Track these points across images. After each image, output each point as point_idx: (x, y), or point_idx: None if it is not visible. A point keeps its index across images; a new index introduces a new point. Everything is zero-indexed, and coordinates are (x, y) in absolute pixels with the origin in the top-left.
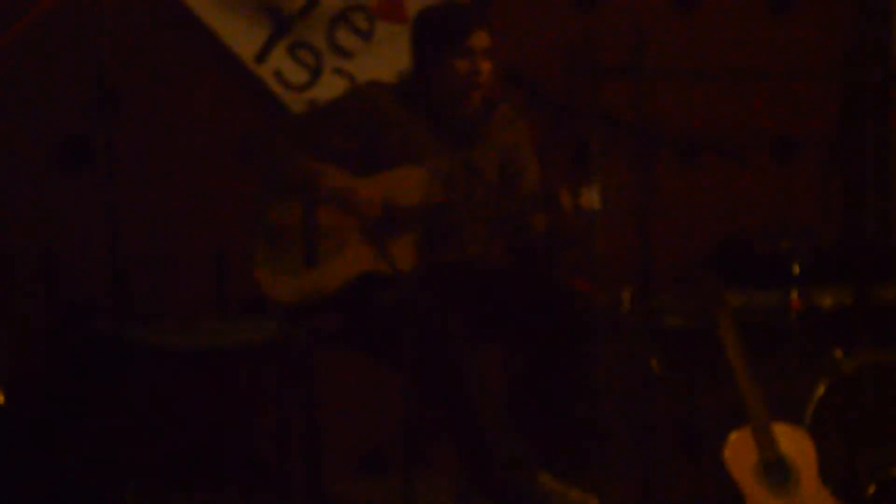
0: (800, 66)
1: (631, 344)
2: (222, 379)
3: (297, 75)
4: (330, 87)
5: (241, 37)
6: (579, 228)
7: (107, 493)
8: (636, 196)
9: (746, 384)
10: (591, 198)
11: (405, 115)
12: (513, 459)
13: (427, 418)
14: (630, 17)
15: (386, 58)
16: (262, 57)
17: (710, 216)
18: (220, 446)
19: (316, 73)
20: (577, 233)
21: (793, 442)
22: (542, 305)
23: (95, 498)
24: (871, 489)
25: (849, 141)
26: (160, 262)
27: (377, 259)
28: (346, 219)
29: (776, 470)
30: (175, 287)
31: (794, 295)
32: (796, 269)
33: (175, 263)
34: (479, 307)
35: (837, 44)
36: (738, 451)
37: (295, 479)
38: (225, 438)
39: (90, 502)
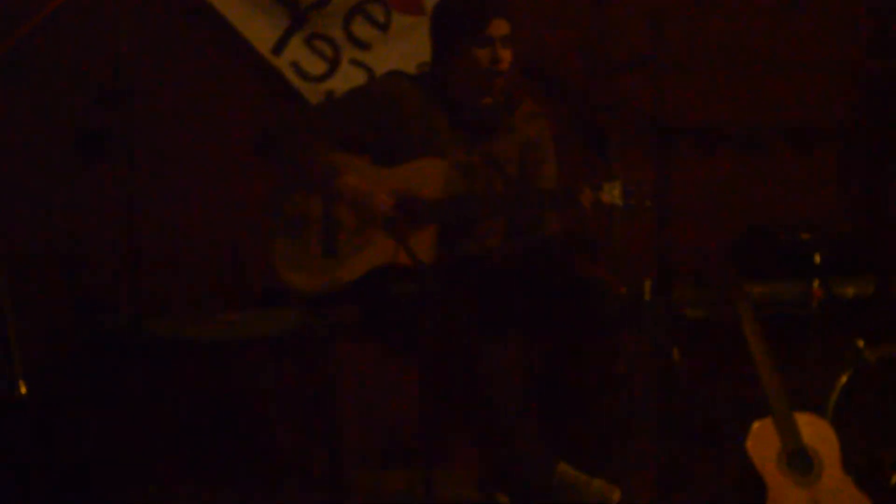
0: (818, 56)
1: (652, 334)
2: (242, 371)
3: (315, 66)
4: (347, 79)
5: (259, 28)
6: (598, 228)
7: (130, 486)
8: (655, 188)
9: (768, 374)
10: (613, 193)
11: (426, 106)
12: (532, 451)
13: (447, 410)
14: (646, 9)
15: (403, 49)
16: (279, 49)
17: (730, 207)
18: (241, 438)
19: (333, 65)
20: (595, 232)
21: (815, 432)
22: (561, 297)
23: (119, 488)
24: (894, 479)
25: (869, 131)
26: (178, 255)
27: (397, 251)
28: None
29: (799, 459)
30: (193, 279)
31: (816, 285)
32: (817, 260)
33: (193, 256)
34: (499, 299)
35: (856, 33)
36: (761, 440)
37: (316, 469)
38: (246, 430)
39: (114, 493)
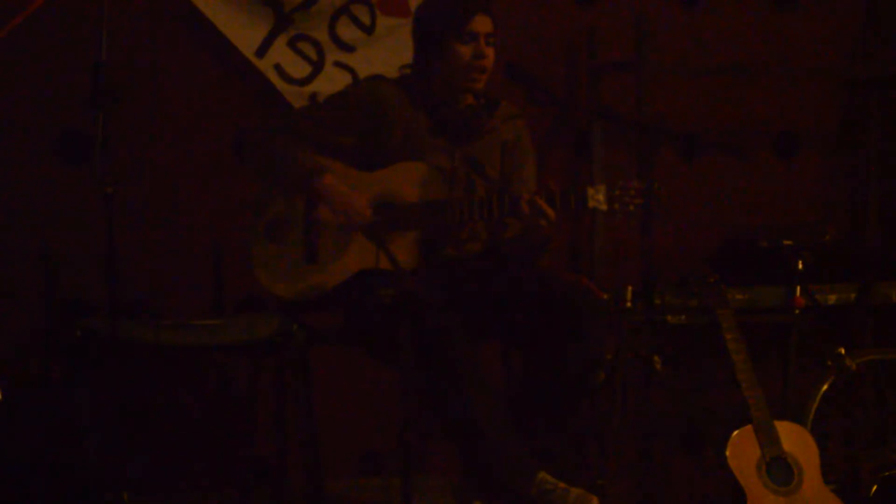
0: (803, 61)
1: (633, 341)
2: (220, 377)
3: (298, 69)
4: (331, 81)
5: (242, 30)
6: (539, 235)
7: (104, 492)
8: (641, 192)
9: (749, 382)
10: (598, 198)
11: (407, 109)
12: (512, 458)
13: (427, 416)
14: (632, 11)
15: (387, 52)
16: (262, 50)
17: (712, 213)
18: (217, 445)
19: (317, 67)
20: (537, 239)
21: (795, 440)
22: (542, 303)
23: (93, 497)
24: (874, 489)
25: (853, 137)
26: (158, 259)
27: (378, 256)
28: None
29: (778, 468)
30: (173, 284)
31: (798, 292)
32: (800, 266)
33: (172, 259)
34: (480, 305)
35: (841, 39)
36: (741, 449)
37: (293, 478)
38: (223, 437)
39: (87, 497)
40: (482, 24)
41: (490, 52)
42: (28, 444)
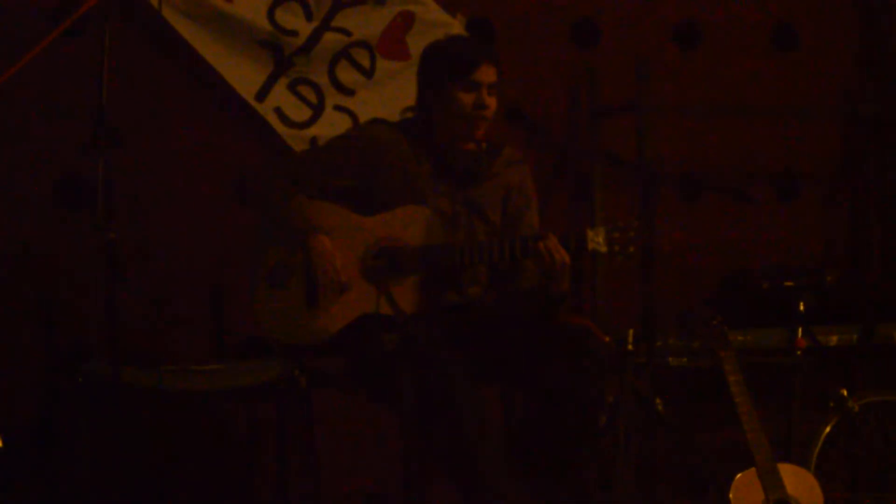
0: (803, 102)
1: (635, 384)
2: (221, 421)
3: (298, 112)
4: (331, 125)
5: (243, 74)
6: (558, 275)
7: None
8: (640, 235)
9: (751, 425)
10: (597, 240)
11: (409, 153)
12: (513, 503)
13: (427, 460)
14: (631, 54)
15: (387, 95)
16: (263, 94)
17: (713, 254)
18: (219, 489)
19: (317, 111)
20: (556, 279)
21: (799, 483)
22: (544, 346)
23: None
24: None
25: (853, 177)
26: (158, 303)
27: (379, 300)
28: (348, 259)
29: None
30: (174, 328)
31: (800, 333)
32: (801, 308)
33: (173, 304)
34: (481, 349)
35: (840, 79)
36: (744, 492)
37: None
38: (224, 481)
39: None
40: (486, 74)
41: (492, 101)
42: (29, 489)
